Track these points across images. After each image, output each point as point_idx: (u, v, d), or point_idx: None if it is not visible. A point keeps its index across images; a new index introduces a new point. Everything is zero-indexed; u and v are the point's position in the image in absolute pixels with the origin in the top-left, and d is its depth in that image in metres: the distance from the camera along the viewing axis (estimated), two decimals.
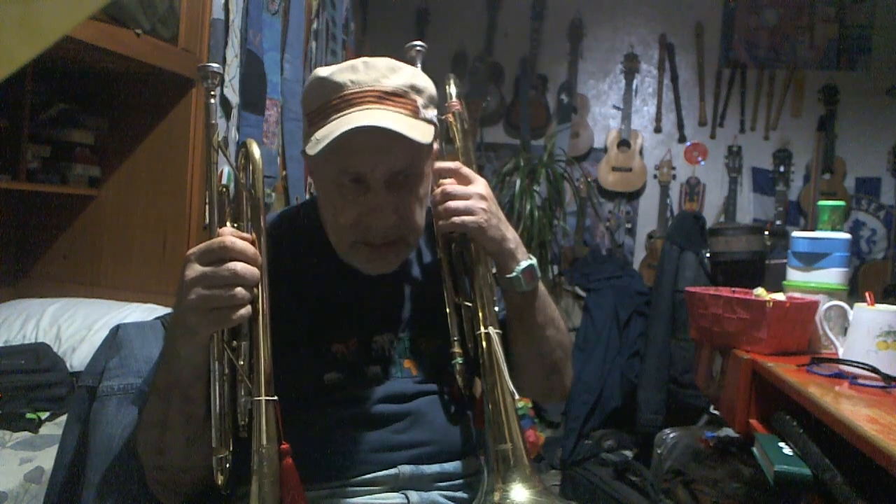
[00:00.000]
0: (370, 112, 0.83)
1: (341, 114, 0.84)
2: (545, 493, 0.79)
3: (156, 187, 2.12)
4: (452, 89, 1.03)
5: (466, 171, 0.93)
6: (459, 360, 0.91)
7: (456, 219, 0.89)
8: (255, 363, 0.75)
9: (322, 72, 0.87)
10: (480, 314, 0.89)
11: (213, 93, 0.80)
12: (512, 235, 0.93)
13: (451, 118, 1.01)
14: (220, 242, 0.74)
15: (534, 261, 0.94)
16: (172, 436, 0.81)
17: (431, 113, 0.90)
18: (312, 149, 0.82)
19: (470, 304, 0.91)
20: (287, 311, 0.90)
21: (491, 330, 0.88)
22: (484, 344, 0.88)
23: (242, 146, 0.82)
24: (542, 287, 0.97)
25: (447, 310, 0.93)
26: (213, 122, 0.80)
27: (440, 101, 0.95)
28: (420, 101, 0.87)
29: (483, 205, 0.90)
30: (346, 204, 0.88)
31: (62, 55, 1.88)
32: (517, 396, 0.86)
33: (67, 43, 1.65)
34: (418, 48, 1.00)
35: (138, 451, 0.86)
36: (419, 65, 0.98)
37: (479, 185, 0.92)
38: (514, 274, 0.91)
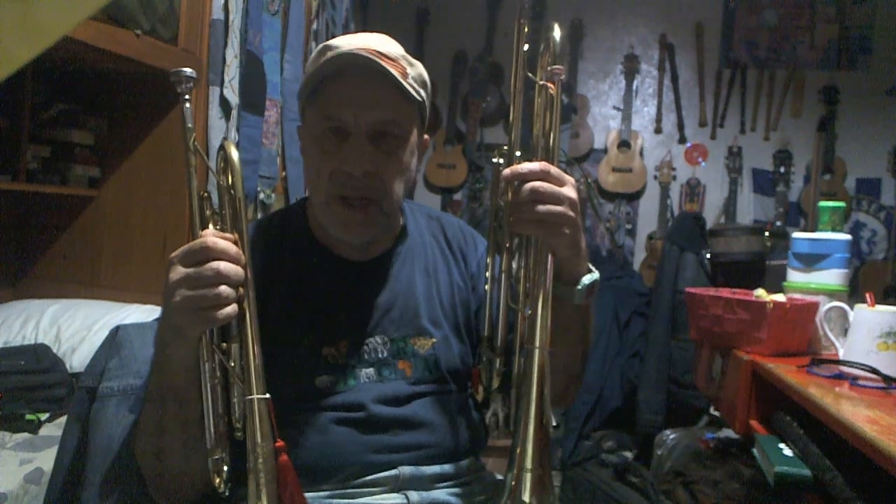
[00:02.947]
0: (361, 54, 0.87)
1: (334, 61, 0.88)
2: None
3: (156, 187, 2.12)
4: (556, 40, 0.86)
5: (557, 171, 0.81)
6: (497, 366, 0.86)
7: (543, 228, 0.79)
8: (246, 362, 0.75)
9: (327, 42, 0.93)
10: (539, 327, 0.78)
11: (187, 97, 0.79)
12: (584, 244, 0.85)
13: (552, 87, 0.83)
14: (202, 243, 0.74)
15: (597, 275, 0.87)
16: (170, 440, 0.81)
17: (420, 90, 0.93)
18: (303, 93, 0.90)
19: (530, 312, 0.79)
20: (278, 312, 0.90)
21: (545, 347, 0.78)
22: (536, 361, 0.77)
23: (221, 148, 0.81)
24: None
25: (489, 312, 0.88)
26: (189, 125, 0.79)
27: (532, 55, 0.86)
28: (410, 71, 0.91)
29: (573, 213, 0.79)
30: (325, 155, 0.90)
31: (62, 55, 1.87)
32: (554, 423, 0.79)
33: (67, 43, 1.64)
34: None
35: (137, 459, 0.86)
36: None
37: (570, 188, 0.81)
38: (580, 286, 0.84)
